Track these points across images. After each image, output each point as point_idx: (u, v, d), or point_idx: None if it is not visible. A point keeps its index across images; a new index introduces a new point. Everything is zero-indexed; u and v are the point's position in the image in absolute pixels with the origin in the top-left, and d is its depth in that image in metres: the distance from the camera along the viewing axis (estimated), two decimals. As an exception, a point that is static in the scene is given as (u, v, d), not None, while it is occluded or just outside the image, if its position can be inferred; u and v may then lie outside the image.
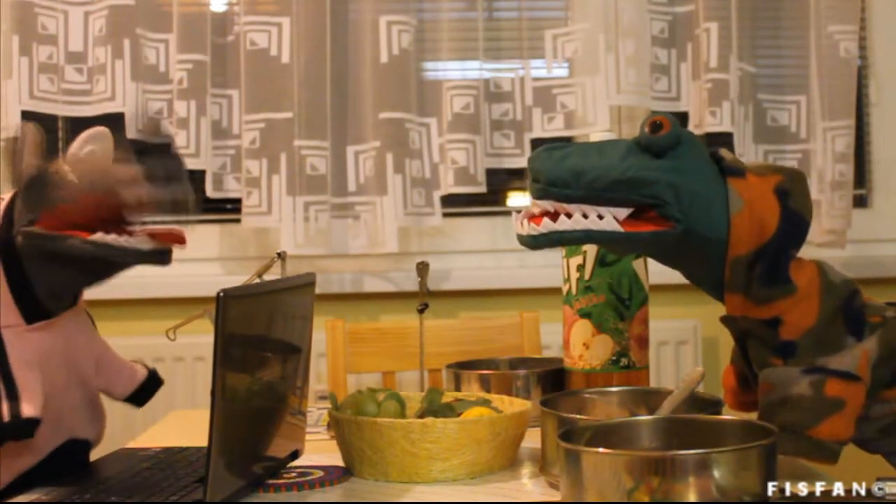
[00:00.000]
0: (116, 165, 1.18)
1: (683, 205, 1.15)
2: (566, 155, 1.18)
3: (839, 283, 1.22)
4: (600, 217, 1.16)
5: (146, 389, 1.36)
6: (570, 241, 1.18)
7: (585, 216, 1.16)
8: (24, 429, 1.15)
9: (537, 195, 1.18)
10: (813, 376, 1.17)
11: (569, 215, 1.17)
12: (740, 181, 1.18)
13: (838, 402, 1.16)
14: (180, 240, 1.20)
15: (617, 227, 1.16)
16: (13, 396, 1.15)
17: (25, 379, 1.17)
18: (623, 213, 1.16)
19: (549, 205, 1.18)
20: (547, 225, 1.17)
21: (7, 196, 1.22)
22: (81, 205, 1.16)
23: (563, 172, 1.16)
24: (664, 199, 1.15)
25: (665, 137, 1.16)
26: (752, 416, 1.24)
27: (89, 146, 1.27)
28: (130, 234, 1.17)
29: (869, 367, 1.19)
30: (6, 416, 1.14)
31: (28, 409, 1.16)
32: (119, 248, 1.16)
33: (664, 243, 1.18)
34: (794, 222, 1.19)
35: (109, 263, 1.19)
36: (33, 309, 1.20)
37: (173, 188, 1.16)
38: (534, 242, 1.19)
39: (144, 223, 1.19)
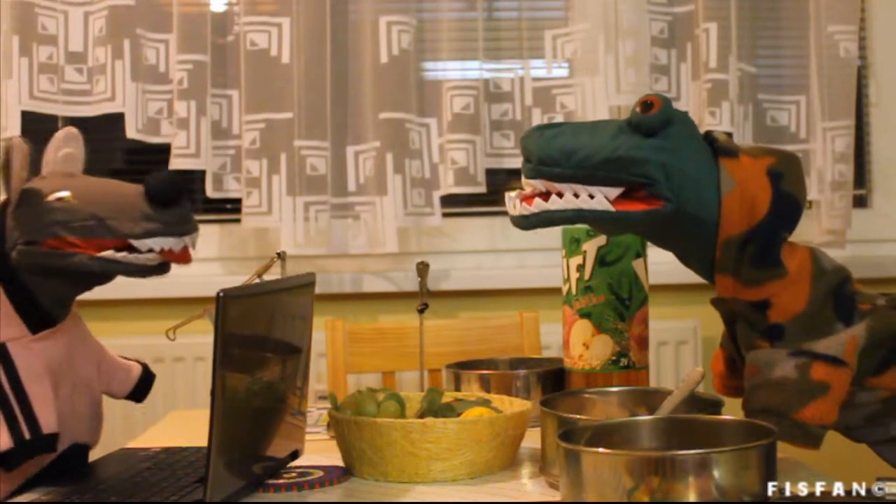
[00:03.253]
0: (118, 191, 1.19)
1: (674, 184, 1.15)
2: (557, 134, 1.18)
3: (831, 270, 1.22)
4: (591, 196, 1.16)
5: (143, 385, 1.37)
6: (561, 220, 1.19)
7: (577, 196, 1.16)
8: (45, 445, 1.16)
9: (529, 174, 1.19)
10: (799, 359, 1.17)
11: (560, 195, 1.17)
12: (732, 162, 1.18)
13: (823, 385, 1.16)
14: (187, 260, 1.23)
15: (608, 207, 1.16)
16: (29, 413, 1.15)
17: (38, 393, 1.17)
18: (614, 192, 1.16)
19: (540, 184, 1.18)
20: (538, 205, 1.18)
21: None
22: (85, 233, 1.16)
23: (553, 151, 1.16)
24: (654, 178, 1.15)
25: (655, 117, 1.16)
26: (740, 400, 1.24)
27: (66, 148, 1.28)
28: (135, 249, 1.18)
29: (856, 353, 1.19)
30: (26, 434, 1.14)
31: (46, 425, 1.16)
32: (126, 264, 1.18)
33: (655, 222, 1.17)
34: (786, 204, 1.19)
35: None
36: (37, 318, 1.20)
37: (176, 213, 1.17)
38: (525, 223, 1.20)
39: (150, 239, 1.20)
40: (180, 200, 1.19)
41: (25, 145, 1.19)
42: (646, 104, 1.17)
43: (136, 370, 1.37)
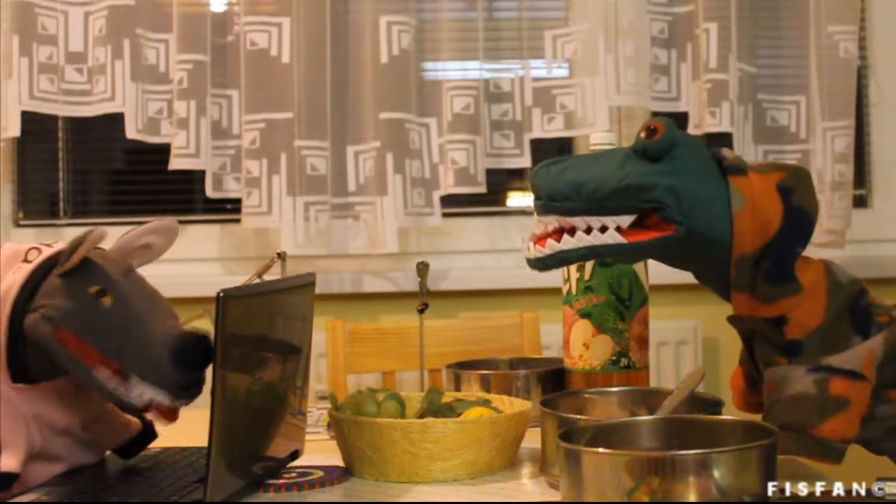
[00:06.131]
0: (151, 324, 1.17)
1: (684, 206, 1.15)
2: (564, 168, 1.18)
3: (846, 283, 1.22)
4: (603, 230, 1.16)
5: (138, 443, 1.33)
6: (575, 258, 1.19)
7: (589, 231, 1.17)
8: (0, 483, 1.14)
9: (541, 211, 1.19)
10: (817, 374, 1.17)
11: (572, 232, 1.17)
12: (742, 179, 1.18)
13: (843, 400, 1.16)
14: (171, 419, 1.19)
15: (620, 239, 1.16)
16: None
17: (9, 431, 1.16)
18: (626, 220, 1.16)
19: (553, 219, 1.18)
20: (552, 246, 1.18)
21: (43, 255, 1.19)
22: (96, 344, 1.15)
23: (562, 186, 1.17)
24: (665, 202, 1.15)
25: (659, 142, 1.16)
26: (760, 417, 1.24)
27: (152, 237, 1.26)
28: (128, 383, 1.15)
29: (874, 366, 1.19)
30: None
31: (8, 463, 1.14)
32: (111, 393, 1.15)
33: (669, 248, 1.17)
34: (798, 219, 1.18)
35: None
36: (21, 374, 1.18)
37: (189, 378, 1.15)
38: (541, 265, 1.20)
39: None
40: (200, 370, 1.16)
41: (103, 237, 1.18)
42: (650, 129, 1.17)
43: (135, 427, 1.33)
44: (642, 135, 1.17)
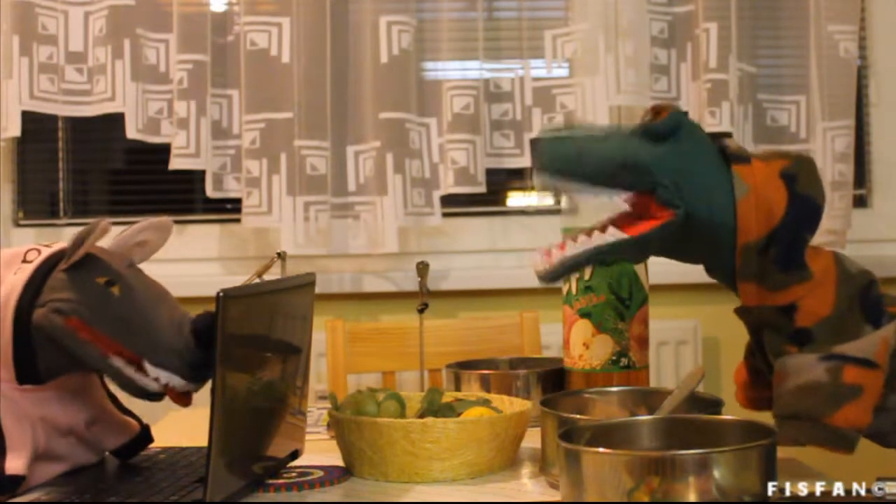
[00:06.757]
0: (161, 309, 1.17)
1: (683, 190, 1.15)
2: (570, 136, 1.19)
3: (856, 273, 1.22)
4: (603, 230, 1.16)
5: (135, 445, 1.33)
6: (583, 262, 1.19)
7: (590, 233, 1.17)
8: (6, 486, 1.14)
9: (541, 173, 1.18)
10: (830, 363, 1.16)
11: (574, 239, 1.17)
12: (745, 167, 1.18)
13: (856, 388, 1.15)
14: (185, 403, 1.20)
15: (622, 235, 1.16)
16: (0, 451, 1.15)
17: (15, 433, 1.16)
18: (624, 194, 1.16)
19: (554, 184, 1.18)
20: (556, 255, 1.18)
21: (43, 255, 1.19)
22: (108, 332, 1.16)
23: (565, 151, 1.17)
24: (662, 183, 1.15)
25: (664, 122, 1.17)
26: (764, 414, 1.23)
27: (147, 235, 1.26)
28: (143, 369, 1.16)
29: (888, 355, 1.18)
30: None
31: (13, 465, 1.15)
32: (127, 379, 1.17)
33: (672, 236, 1.17)
34: (804, 206, 1.18)
35: None
36: (27, 374, 1.19)
37: (203, 357, 1.16)
38: (549, 275, 1.20)
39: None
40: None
41: (109, 229, 1.18)
42: (655, 111, 1.17)
43: (133, 429, 1.34)
44: (647, 117, 1.18)
